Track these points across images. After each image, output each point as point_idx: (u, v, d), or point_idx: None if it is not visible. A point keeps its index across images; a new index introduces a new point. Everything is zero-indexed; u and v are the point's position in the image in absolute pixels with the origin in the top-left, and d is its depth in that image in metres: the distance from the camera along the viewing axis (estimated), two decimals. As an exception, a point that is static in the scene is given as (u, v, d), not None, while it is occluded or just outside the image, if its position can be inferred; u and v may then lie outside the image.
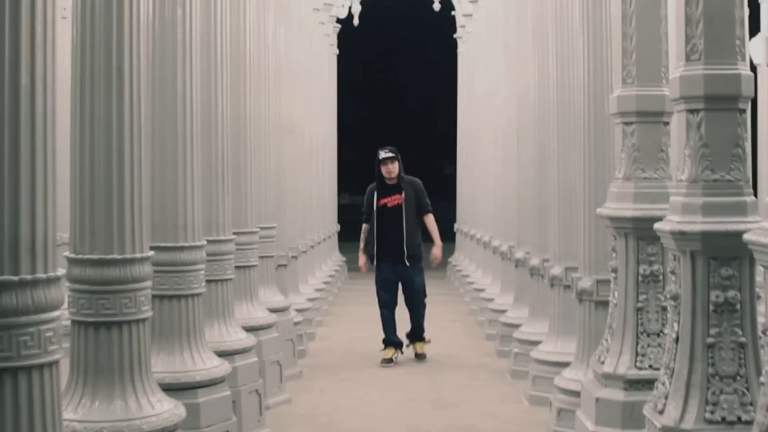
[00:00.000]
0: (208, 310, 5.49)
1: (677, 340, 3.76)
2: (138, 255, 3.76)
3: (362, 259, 9.05)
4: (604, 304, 5.69)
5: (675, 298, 3.78)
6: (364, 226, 8.96)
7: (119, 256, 3.71)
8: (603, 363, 4.79)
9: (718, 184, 3.70)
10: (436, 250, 8.96)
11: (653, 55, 4.77)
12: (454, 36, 16.63)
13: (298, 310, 9.04)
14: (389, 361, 8.55)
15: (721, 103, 3.71)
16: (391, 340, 8.69)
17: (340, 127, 17.82)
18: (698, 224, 3.66)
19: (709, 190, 3.70)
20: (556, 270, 6.78)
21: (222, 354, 5.46)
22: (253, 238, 6.67)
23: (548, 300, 7.42)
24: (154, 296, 4.61)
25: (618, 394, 4.71)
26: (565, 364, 6.48)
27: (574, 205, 6.63)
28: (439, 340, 9.29)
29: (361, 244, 8.99)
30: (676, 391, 3.71)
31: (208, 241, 5.51)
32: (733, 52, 3.73)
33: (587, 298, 5.74)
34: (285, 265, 8.51)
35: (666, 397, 3.76)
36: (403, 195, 8.77)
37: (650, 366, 4.70)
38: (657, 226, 3.85)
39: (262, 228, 7.24)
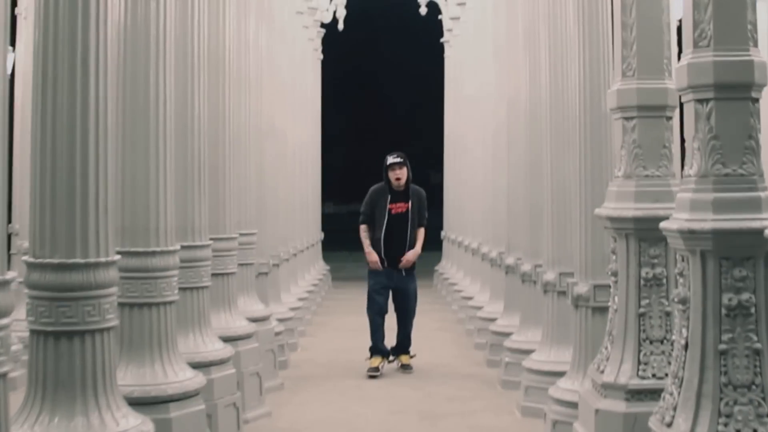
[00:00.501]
0: (183, 319, 5.20)
1: (686, 346, 3.47)
2: (102, 259, 3.46)
3: (374, 254, 8.49)
4: (602, 310, 5.43)
5: (684, 301, 3.50)
6: (362, 226, 8.60)
7: (82, 260, 3.41)
8: (603, 372, 4.50)
9: (730, 179, 3.42)
10: (412, 254, 8.53)
11: (655, 46, 4.50)
12: (441, 40, 16.39)
13: (280, 320, 8.73)
14: (375, 370, 8.24)
15: (732, 92, 3.44)
16: (378, 348, 8.39)
17: (325, 135, 17.53)
18: (709, 222, 3.38)
19: (720, 185, 3.42)
20: (550, 275, 6.50)
21: (197, 365, 5.15)
22: (231, 244, 6.37)
23: (541, 307, 7.14)
24: (123, 304, 4.34)
25: (619, 405, 4.42)
26: (560, 374, 6.20)
27: (569, 207, 6.37)
28: (427, 350, 8.99)
29: (367, 241, 8.56)
30: (686, 402, 3.42)
31: (183, 247, 5.22)
32: (744, 37, 3.45)
33: (584, 304, 5.47)
34: (266, 273, 8.20)
35: (674, 409, 3.48)
36: (410, 204, 8.53)
37: (653, 375, 4.42)
38: (663, 224, 3.57)
39: (241, 234, 6.93)
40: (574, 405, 5.33)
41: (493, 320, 8.91)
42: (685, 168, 3.57)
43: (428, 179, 31.98)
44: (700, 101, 3.46)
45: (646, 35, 4.47)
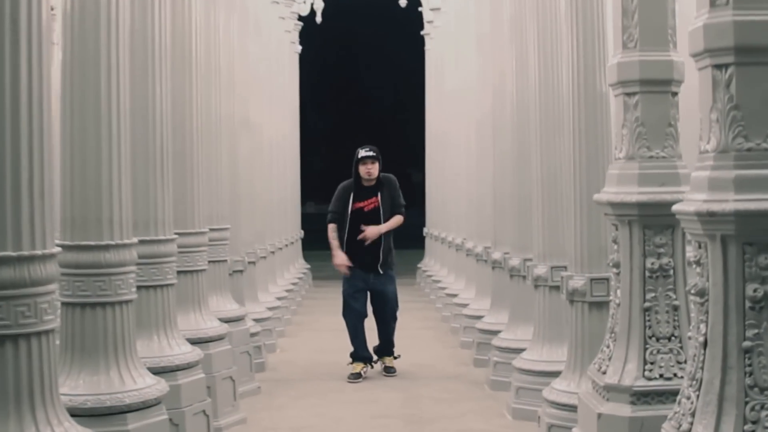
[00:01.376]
0: (144, 320, 4.79)
1: (705, 344, 3.07)
2: (39, 252, 3.02)
3: (342, 256, 7.85)
4: (599, 305, 5.06)
5: (701, 294, 3.09)
6: (331, 225, 8.00)
7: (14, 253, 2.96)
8: (604, 373, 4.10)
9: (754, 154, 3.01)
10: (374, 229, 7.78)
11: (658, 14, 4.10)
12: (422, 33, 16.00)
13: (257, 320, 8.31)
14: (357, 376, 7.77)
15: (755, 56, 3.02)
16: (360, 355, 7.91)
17: (306, 134, 17.13)
18: (730, 203, 2.96)
19: (743, 162, 3.00)
20: (541, 270, 6.12)
21: (161, 371, 4.75)
22: (201, 239, 5.93)
23: (531, 303, 6.77)
24: (73, 304, 3.92)
25: (624, 409, 4.01)
26: (553, 374, 5.83)
27: (561, 196, 6.01)
28: (411, 350, 8.57)
29: (335, 242, 7.94)
30: (706, 407, 3.02)
31: (144, 241, 4.81)
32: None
33: (579, 299, 5.08)
34: (241, 271, 7.77)
35: (692, 415, 3.07)
36: (379, 197, 7.92)
37: (661, 375, 4.02)
38: (677, 207, 3.16)
39: (212, 229, 6.51)
40: (571, 408, 4.95)
41: (479, 318, 8.52)
42: (701, 143, 3.16)
43: (410, 178, 31.65)
44: (718, 67, 3.04)
45: (648, 2, 4.07)
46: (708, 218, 3.00)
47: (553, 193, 6.07)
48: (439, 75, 14.24)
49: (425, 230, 15.96)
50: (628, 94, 4.12)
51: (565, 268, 5.97)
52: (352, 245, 7.85)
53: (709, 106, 3.10)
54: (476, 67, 9.61)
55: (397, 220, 7.96)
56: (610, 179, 4.22)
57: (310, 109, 20.35)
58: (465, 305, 9.57)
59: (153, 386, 4.07)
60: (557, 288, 6.04)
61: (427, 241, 15.87)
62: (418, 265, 16.00)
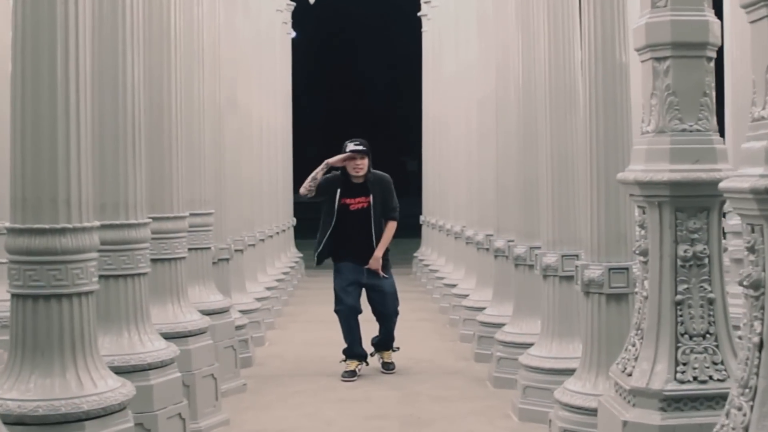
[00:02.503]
0: (112, 313, 4.33)
1: (761, 346, 2.60)
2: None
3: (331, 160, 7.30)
4: (618, 297, 4.60)
5: (756, 286, 2.61)
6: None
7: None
8: (630, 375, 3.62)
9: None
10: (374, 261, 7.24)
11: (692, -33, 3.61)
12: (418, 14, 15.49)
13: (244, 312, 7.83)
14: (352, 374, 7.23)
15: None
16: (354, 352, 7.37)
17: (301, 122, 16.66)
18: (796, 176, 2.49)
19: (810, 128, 2.54)
20: (550, 258, 5.63)
21: (131, 370, 4.28)
22: (179, 224, 5.43)
23: (538, 294, 6.31)
24: (24, 296, 3.46)
25: (653, 417, 3.53)
26: (565, 372, 5.38)
27: (573, 178, 5.56)
28: (408, 344, 8.07)
29: (319, 173, 7.33)
30: (764, 420, 2.55)
31: (113, 225, 4.33)
32: None
33: (596, 290, 4.60)
34: (227, 260, 7.26)
35: (746, 429, 2.60)
36: (370, 198, 7.31)
37: (695, 378, 3.54)
38: (726, 184, 2.67)
39: (194, 214, 6.02)
40: (587, 411, 4.49)
41: (480, 309, 8.04)
42: (754, 109, 2.68)
43: (405, 166, 31.14)
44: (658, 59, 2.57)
45: (681, -46, 3.58)
46: (766, 196, 2.52)
47: (563, 174, 5.59)
48: (437, 57, 13.75)
49: (421, 218, 15.47)
50: (658, 59, 3.63)
51: (577, 256, 5.52)
52: (340, 239, 7.32)
53: (763, 67, 2.62)
54: (477, 46, 9.12)
55: (390, 229, 7.41)
56: (637, 155, 3.73)
57: (304, 95, 19.85)
58: (465, 296, 9.09)
59: (116, 389, 3.56)
60: (568, 278, 5.58)
61: (424, 230, 15.38)
62: (414, 254, 15.52)
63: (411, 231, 15.85)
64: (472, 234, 9.29)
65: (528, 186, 6.60)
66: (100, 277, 4.29)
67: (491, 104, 8.08)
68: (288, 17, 15.02)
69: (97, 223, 3.60)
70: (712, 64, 3.67)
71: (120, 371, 4.25)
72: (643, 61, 3.73)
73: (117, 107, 4.37)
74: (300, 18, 16.02)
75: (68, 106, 3.52)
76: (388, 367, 7.41)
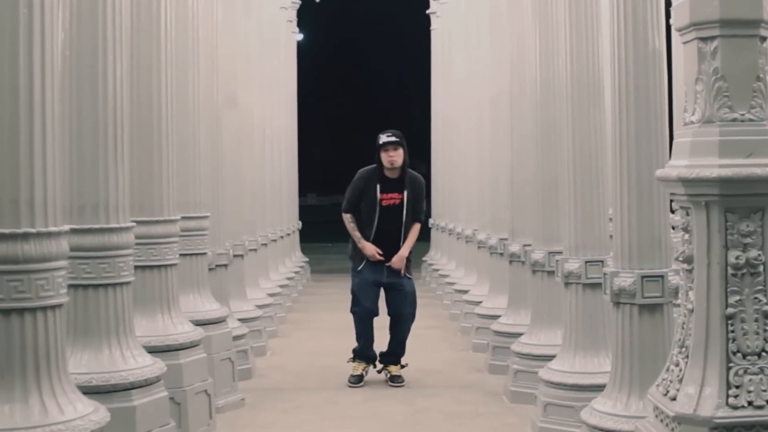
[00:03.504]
0: (92, 326, 3.89)
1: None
2: None
3: (371, 246, 6.91)
4: (651, 308, 4.17)
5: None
6: (346, 215, 7.04)
7: None
8: (674, 399, 3.16)
9: None
10: (398, 260, 6.93)
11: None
12: (427, 12, 15.09)
13: (244, 320, 7.41)
14: (359, 379, 6.89)
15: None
16: (364, 353, 6.99)
17: (307, 125, 16.30)
18: None
19: None
20: (573, 265, 5.19)
21: (111, 390, 3.83)
22: (170, 228, 5.01)
23: (557, 303, 5.92)
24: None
25: (701, 448, 3.08)
26: (590, 389, 4.97)
27: (599, 177, 5.13)
28: (417, 353, 7.63)
29: (357, 234, 6.99)
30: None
31: (92, 230, 3.91)
32: None
33: (627, 300, 4.16)
34: (225, 266, 6.82)
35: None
36: (405, 194, 6.97)
37: (750, 403, 3.08)
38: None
39: (186, 217, 5.60)
40: (618, 436, 4.03)
41: (494, 318, 7.62)
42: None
43: (414, 169, 30.75)
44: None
45: None
46: None
47: (587, 173, 5.15)
48: (447, 55, 13.34)
49: (430, 221, 15.04)
50: (704, 39, 3.17)
51: (602, 262, 5.09)
52: (380, 237, 6.95)
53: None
54: (490, 40, 8.69)
55: (416, 230, 7.12)
56: (680, 149, 3.28)
57: (310, 98, 19.49)
58: (477, 303, 8.64)
59: (87, 416, 3.03)
60: (592, 286, 5.15)
61: (433, 233, 14.96)
62: (423, 258, 15.08)
63: (419, 234, 15.43)
64: (485, 238, 8.85)
65: (546, 186, 6.17)
66: (77, 286, 3.91)
67: (505, 101, 7.66)
68: (293, 15, 14.64)
69: (66, 227, 3.17)
70: (767, 44, 3.23)
71: (99, 391, 3.85)
72: (685, 42, 3.28)
73: (97, 99, 3.95)
74: (306, 18, 15.67)
75: (32, 96, 3.08)
76: (395, 380, 6.94)
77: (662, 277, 4.15)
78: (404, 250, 6.99)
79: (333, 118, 32.83)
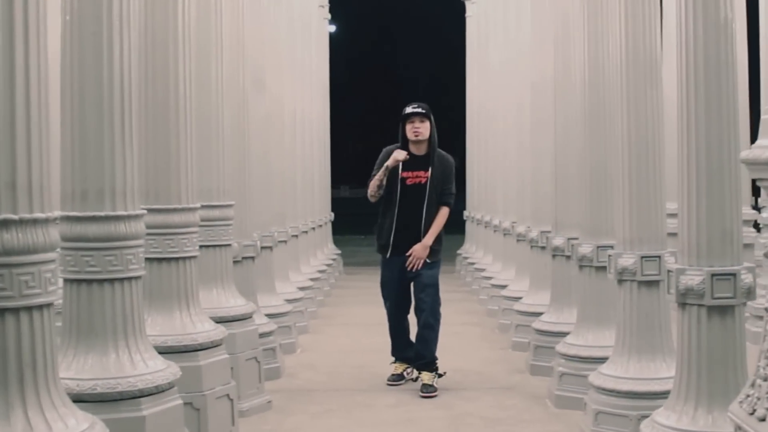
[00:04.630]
0: (98, 326, 3.50)
1: None
2: None
3: (395, 153, 6.40)
4: (722, 309, 3.72)
5: None
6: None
7: None
8: (764, 420, 2.72)
9: None
10: (420, 248, 6.35)
11: None
12: (461, -1, 14.64)
13: (272, 316, 7.04)
14: (399, 378, 6.51)
15: None
16: (402, 355, 6.59)
17: (341, 119, 15.96)
18: None
19: None
20: (628, 260, 4.74)
21: (118, 397, 3.44)
22: (189, 217, 4.61)
23: (606, 301, 5.53)
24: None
25: (793, 476, 2.64)
26: (646, 396, 4.57)
27: (656, 164, 4.69)
28: (453, 352, 7.19)
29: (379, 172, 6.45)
30: None
31: (96, 218, 3.52)
32: None
33: (695, 301, 3.71)
34: (252, 258, 6.42)
35: None
36: (429, 172, 6.45)
37: None
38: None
39: (207, 206, 5.21)
40: (685, 453, 3.59)
41: (536, 315, 7.18)
42: None
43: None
44: None
45: None
46: None
47: (644, 160, 4.70)
48: (483, 42, 12.89)
49: (465, 213, 14.59)
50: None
51: (659, 258, 4.64)
52: (397, 225, 6.42)
53: None
54: (531, 23, 8.22)
55: (443, 215, 6.49)
56: (768, 127, 2.83)
57: (345, 91, 19.12)
58: (516, 299, 8.20)
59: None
60: (648, 283, 4.72)
61: (468, 225, 14.51)
62: (458, 252, 14.63)
63: (454, 227, 15.00)
64: (525, 230, 8.40)
65: (595, 176, 5.71)
66: (81, 281, 3.54)
67: (548, 87, 7.20)
68: (325, 1, 14.24)
69: (56, 213, 2.77)
70: None
71: (105, 399, 3.48)
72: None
73: (101, 70, 3.54)
74: (339, 11, 15.32)
75: (27, 68, 2.69)
76: (426, 389, 6.26)
77: (734, 275, 3.69)
78: (428, 238, 6.39)
79: (369, 111, 32.47)
